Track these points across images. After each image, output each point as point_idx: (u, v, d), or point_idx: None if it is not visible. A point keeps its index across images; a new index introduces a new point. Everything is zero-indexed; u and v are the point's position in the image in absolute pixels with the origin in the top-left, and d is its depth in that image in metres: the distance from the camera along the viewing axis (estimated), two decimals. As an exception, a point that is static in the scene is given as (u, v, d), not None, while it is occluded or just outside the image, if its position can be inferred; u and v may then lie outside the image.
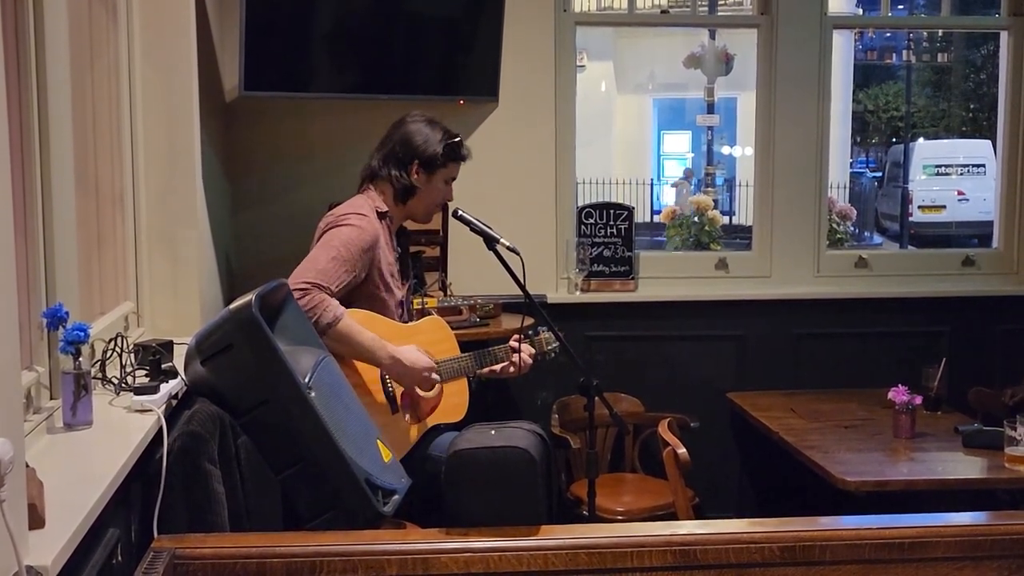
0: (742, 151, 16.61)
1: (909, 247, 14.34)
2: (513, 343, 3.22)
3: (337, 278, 2.93)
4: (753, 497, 4.84)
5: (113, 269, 3.11)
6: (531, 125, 4.65)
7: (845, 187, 16.46)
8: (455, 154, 3.22)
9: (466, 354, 3.25)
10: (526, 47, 4.59)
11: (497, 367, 3.23)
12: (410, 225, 3.39)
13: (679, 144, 20.06)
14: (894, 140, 19.97)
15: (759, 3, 4.90)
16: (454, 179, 3.27)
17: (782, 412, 4.17)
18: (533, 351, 3.26)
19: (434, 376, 3.07)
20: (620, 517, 3.94)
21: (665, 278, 4.86)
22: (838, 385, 4.56)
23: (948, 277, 5.02)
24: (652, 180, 18.38)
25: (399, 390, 3.05)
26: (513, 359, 3.19)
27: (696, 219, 5.50)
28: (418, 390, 3.07)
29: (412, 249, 3.58)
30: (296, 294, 2.80)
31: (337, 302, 2.91)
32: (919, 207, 16.09)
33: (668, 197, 17.29)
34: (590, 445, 3.04)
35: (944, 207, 15.97)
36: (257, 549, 2.15)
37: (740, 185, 16.08)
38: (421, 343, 3.15)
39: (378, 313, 3.09)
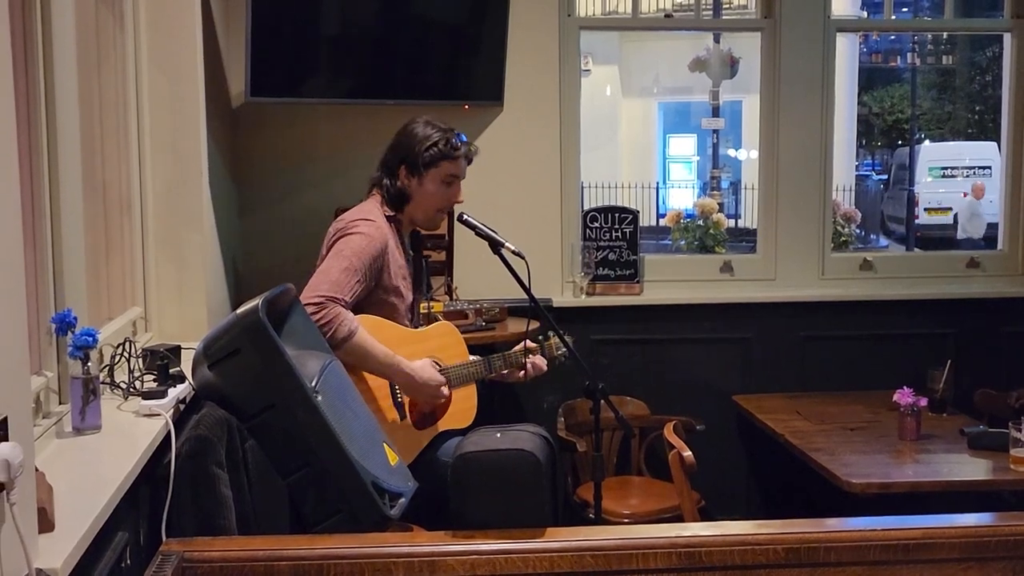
0: (748, 154, 16.61)
1: (915, 250, 14.32)
2: (520, 348, 3.23)
3: (351, 289, 2.92)
4: (759, 500, 4.85)
5: (121, 274, 3.13)
6: (536, 129, 4.66)
7: (851, 190, 16.46)
8: (442, 154, 3.12)
9: (476, 359, 3.24)
10: (530, 52, 4.60)
11: (506, 372, 3.24)
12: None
13: (685, 147, 20.08)
14: (900, 143, 19.97)
15: (763, 7, 4.91)
16: (456, 179, 3.18)
17: (787, 414, 4.18)
18: (544, 357, 3.26)
19: (444, 391, 3.08)
20: (626, 520, 3.95)
21: (670, 281, 4.87)
22: (843, 387, 4.57)
23: (953, 279, 5.02)
24: (657, 184, 18.39)
25: (407, 396, 3.06)
26: (525, 364, 3.20)
27: (701, 222, 5.51)
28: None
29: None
30: (310, 308, 2.79)
31: (352, 315, 2.89)
32: (925, 209, 16.08)
33: (674, 201, 17.33)
34: (596, 448, 3.04)
35: (950, 209, 15.95)
36: (264, 552, 2.17)
37: (746, 188, 16.10)
38: (431, 348, 3.15)
39: (387, 318, 3.09)
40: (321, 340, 2.73)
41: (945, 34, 18.01)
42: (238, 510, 2.37)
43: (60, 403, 2.41)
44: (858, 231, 10.83)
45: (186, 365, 2.63)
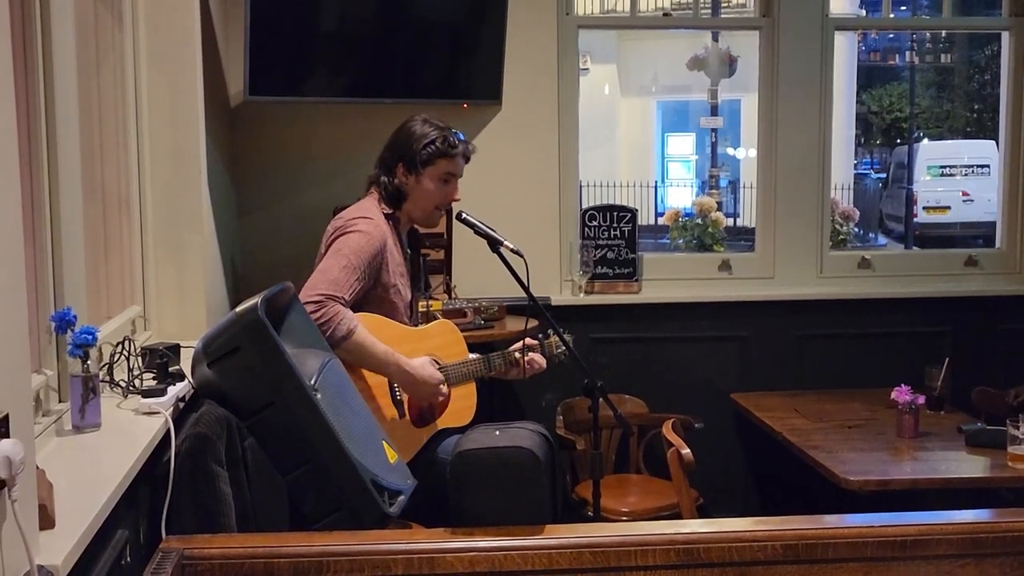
0: (746, 153, 16.62)
1: (914, 248, 14.33)
2: (519, 347, 3.23)
3: (350, 287, 2.93)
4: (757, 497, 4.86)
5: (120, 273, 3.14)
6: (534, 128, 4.67)
7: (849, 188, 16.46)
8: (440, 152, 3.12)
9: (476, 357, 3.25)
10: (529, 50, 4.61)
11: (505, 370, 3.24)
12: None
13: (683, 146, 20.07)
14: (898, 141, 19.98)
15: (761, 5, 4.92)
16: (453, 177, 3.18)
17: (786, 412, 4.18)
18: (544, 356, 3.27)
19: (443, 388, 3.08)
20: (625, 518, 3.96)
21: (669, 280, 4.88)
22: (842, 385, 4.58)
23: (951, 277, 5.03)
24: (656, 182, 18.39)
25: (407, 395, 3.07)
26: (523, 361, 3.20)
27: (699, 221, 5.52)
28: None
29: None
30: (310, 307, 2.79)
31: (351, 313, 2.90)
32: (924, 208, 16.08)
33: (673, 199, 17.32)
34: (595, 446, 3.04)
35: (949, 208, 15.96)
36: (264, 549, 2.17)
37: (744, 187, 16.09)
38: (431, 347, 3.15)
39: (387, 316, 3.10)
40: (320, 338, 2.73)
41: (943, 32, 18.01)
42: (238, 508, 2.38)
43: (60, 401, 2.42)
44: (856, 229, 10.85)
45: (185, 363, 2.64)
